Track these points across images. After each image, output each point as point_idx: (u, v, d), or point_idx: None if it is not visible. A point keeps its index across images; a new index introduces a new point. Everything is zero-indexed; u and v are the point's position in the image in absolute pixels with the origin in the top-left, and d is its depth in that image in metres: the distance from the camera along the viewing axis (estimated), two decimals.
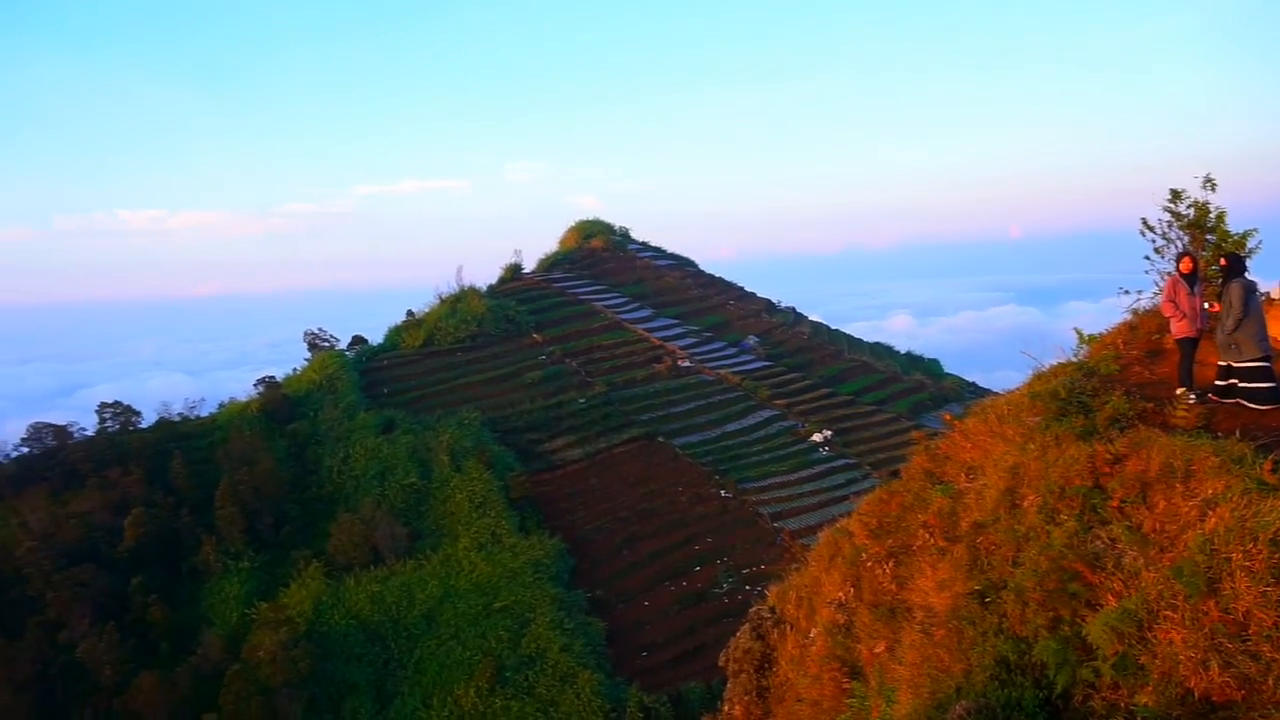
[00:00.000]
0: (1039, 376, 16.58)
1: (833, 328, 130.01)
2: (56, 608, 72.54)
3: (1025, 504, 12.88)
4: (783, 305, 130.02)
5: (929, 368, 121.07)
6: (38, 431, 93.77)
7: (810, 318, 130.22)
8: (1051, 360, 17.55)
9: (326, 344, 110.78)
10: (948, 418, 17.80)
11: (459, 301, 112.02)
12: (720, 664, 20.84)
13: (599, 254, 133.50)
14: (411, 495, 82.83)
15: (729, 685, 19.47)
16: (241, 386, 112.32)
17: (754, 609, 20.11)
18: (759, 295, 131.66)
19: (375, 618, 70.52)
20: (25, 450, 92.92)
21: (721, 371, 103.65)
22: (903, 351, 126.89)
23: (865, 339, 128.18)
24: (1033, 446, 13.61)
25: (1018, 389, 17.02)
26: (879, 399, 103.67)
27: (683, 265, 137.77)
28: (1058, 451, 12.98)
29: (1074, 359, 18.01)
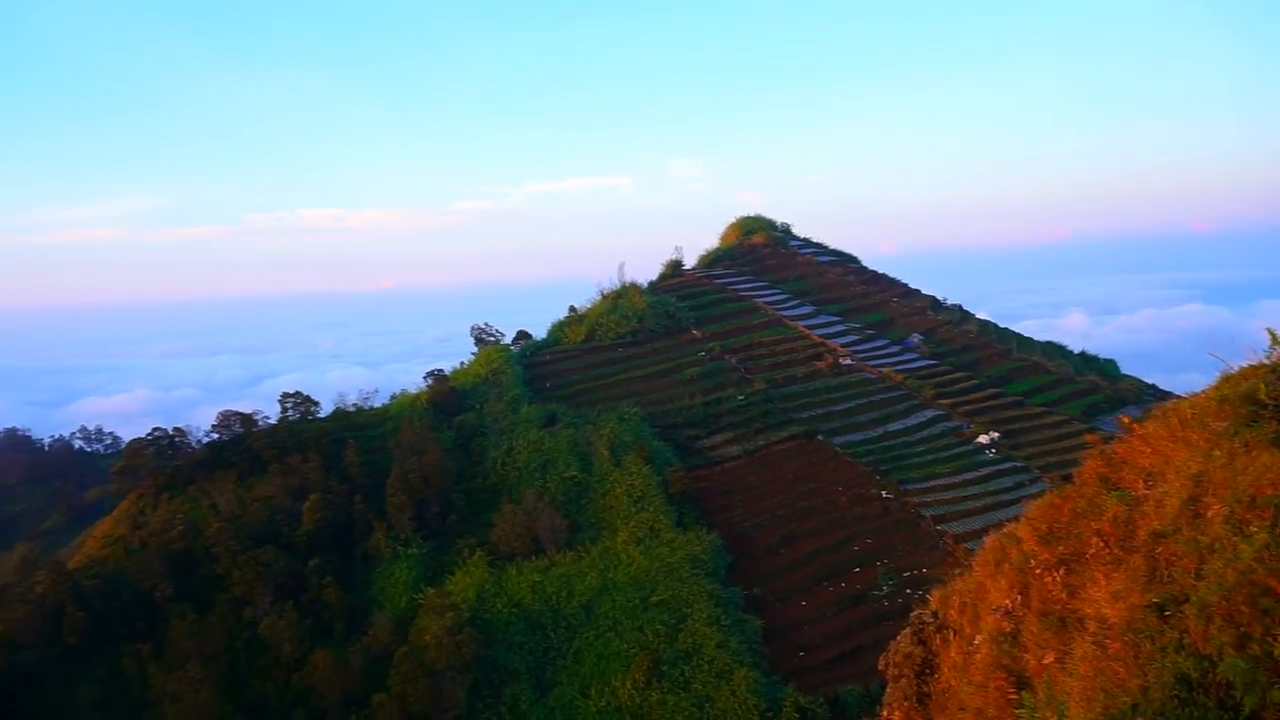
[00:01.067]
0: (1227, 379, 15.62)
1: (1001, 326, 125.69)
2: (242, 586, 76.85)
3: (1210, 514, 12.17)
4: (948, 302, 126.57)
5: (1105, 369, 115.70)
6: (227, 419, 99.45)
7: (977, 315, 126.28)
8: (1242, 362, 16.49)
9: (492, 339, 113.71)
10: (1126, 421, 16.89)
11: (620, 298, 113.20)
12: (879, 668, 20.41)
13: (760, 250, 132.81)
14: (572, 488, 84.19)
15: (888, 690, 19.07)
16: (412, 379, 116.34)
17: (915, 613, 19.61)
18: (923, 292, 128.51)
19: (535, 607, 72.01)
20: (216, 437, 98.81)
21: (884, 370, 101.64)
22: (1076, 351, 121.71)
23: (1036, 338, 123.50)
24: (1219, 453, 12.83)
25: (1203, 392, 16.06)
26: (1050, 400, 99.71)
27: (845, 261, 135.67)
28: (1247, 459, 12.21)
29: (1267, 361, 16.89)
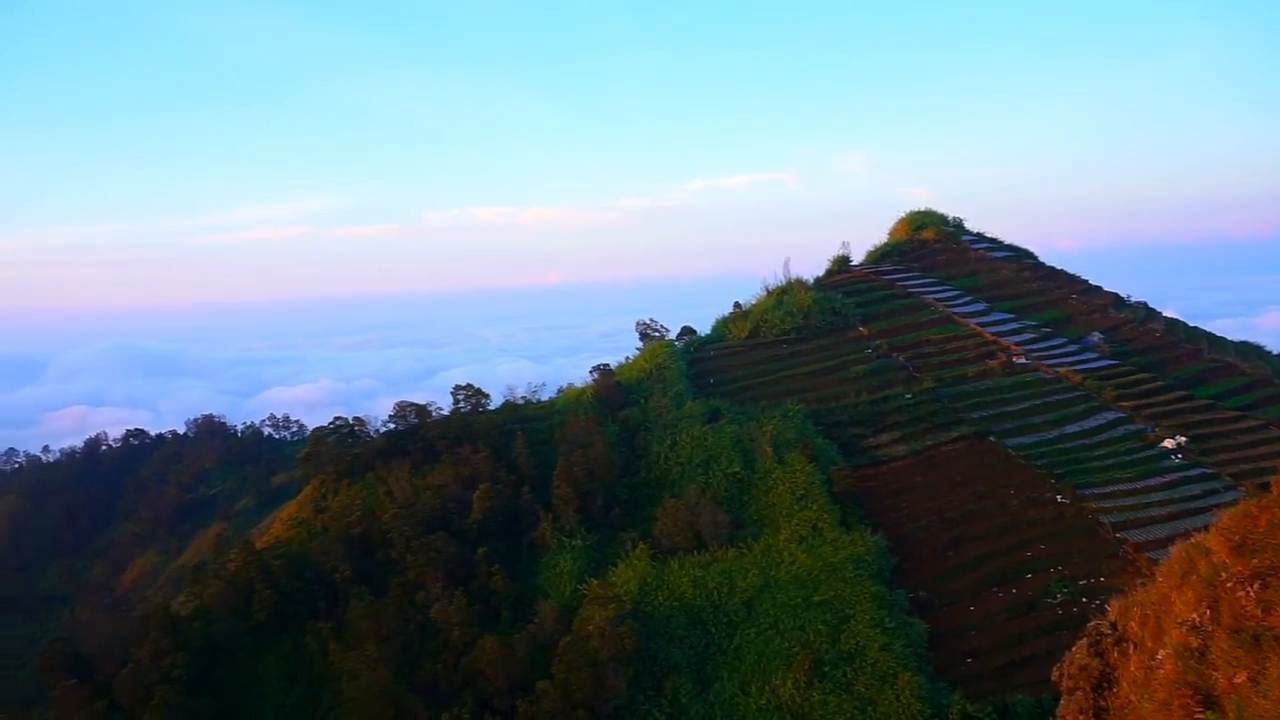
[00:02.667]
0: None
1: (1190, 325, 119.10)
2: (415, 571, 79.75)
3: None
4: (1132, 300, 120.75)
5: None
6: (402, 410, 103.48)
7: (1164, 314, 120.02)
8: None
9: (657, 334, 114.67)
10: None
11: (785, 294, 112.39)
12: (1053, 679, 19.63)
13: (930, 245, 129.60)
14: (734, 484, 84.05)
15: (1062, 702, 18.33)
16: (579, 373, 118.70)
17: (1093, 623, 18.77)
18: (1105, 289, 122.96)
19: (697, 602, 72.19)
20: (392, 427, 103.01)
21: (1061, 370, 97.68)
22: (1276, 353, 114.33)
23: (1230, 338, 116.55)
24: None
25: None
26: (1245, 404, 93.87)
27: (1020, 257, 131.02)
28: None
29: None
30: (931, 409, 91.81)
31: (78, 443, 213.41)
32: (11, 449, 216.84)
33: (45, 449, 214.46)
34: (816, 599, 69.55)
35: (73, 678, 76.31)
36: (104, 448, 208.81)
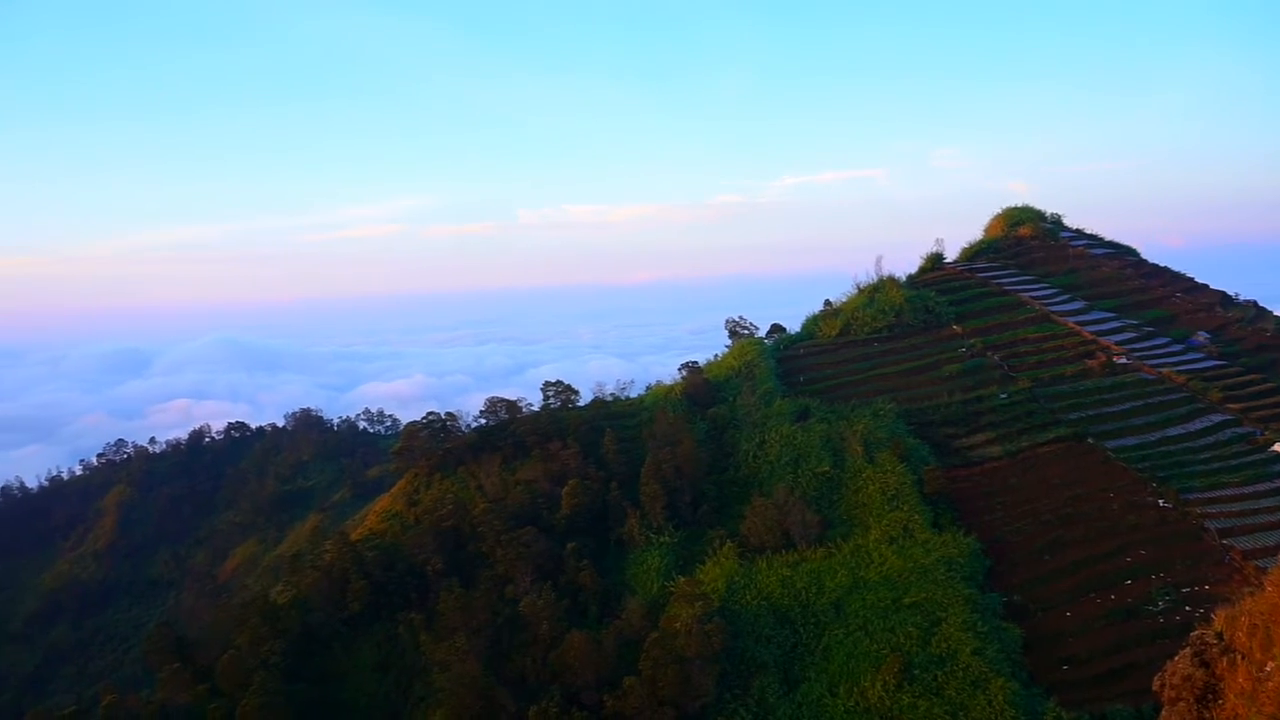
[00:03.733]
0: None
1: None
2: (504, 565, 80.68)
3: None
4: (1241, 298, 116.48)
5: None
6: (493, 406, 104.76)
7: (1276, 313, 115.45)
8: None
9: (746, 332, 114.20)
10: None
11: (877, 291, 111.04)
12: (1154, 688, 19.05)
13: (1027, 242, 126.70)
14: (823, 483, 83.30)
15: (1164, 713, 17.76)
16: (667, 370, 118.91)
17: (1196, 633, 18.17)
18: (1212, 287, 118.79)
19: (785, 601, 71.72)
20: (483, 422, 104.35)
21: (1164, 370, 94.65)
22: None
23: None
24: None
25: None
26: None
27: (1122, 254, 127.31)
28: None
29: None
30: (1027, 409, 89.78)
31: (182, 434, 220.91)
32: (121, 440, 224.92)
33: (152, 440, 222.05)
34: (907, 601, 68.58)
35: (177, 661, 78.88)
36: (207, 439, 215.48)
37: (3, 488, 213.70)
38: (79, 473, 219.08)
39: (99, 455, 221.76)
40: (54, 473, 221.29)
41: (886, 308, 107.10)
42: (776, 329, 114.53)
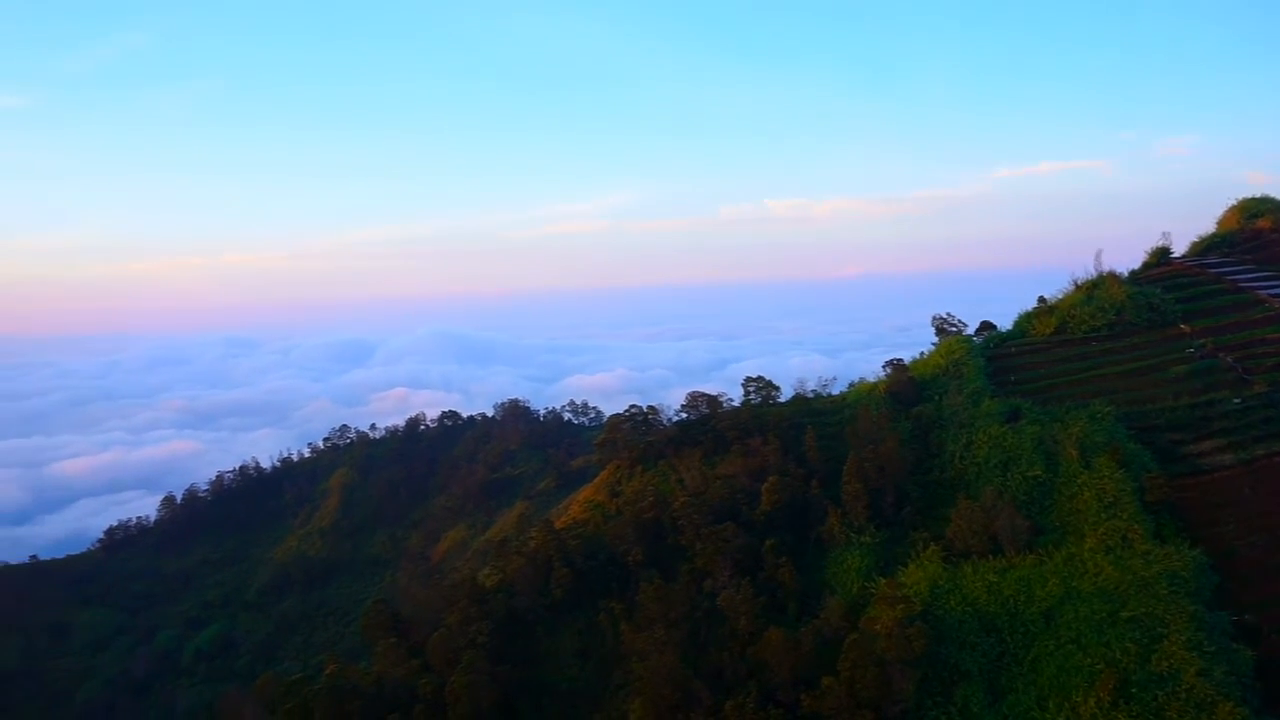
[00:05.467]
0: None
1: None
2: (703, 559, 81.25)
3: None
4: None
5: None
6: (694, 400, 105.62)
7: None
8: None
9: (954, 329, 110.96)
10: None
11: (1096, 288, 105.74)
12: None
13: (1266, 235, 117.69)
14: (1034, 487, 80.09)
15: None
16: (870, 367, 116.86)
17: None
18: None
19: (991, 608, 69.35)
20: (684, 416, 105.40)
21: None
22: None
23: None
24: None
25: None
26: None
27: None
28: None
29: None
30: (1264, 415, 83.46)
31: (400, 421, 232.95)
32: (345, 425, 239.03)
33: (372, 426, 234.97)
34: (1124, 614, 65.08)
35: (392, 637, 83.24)
36: (422, 427, 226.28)
37: (240, 467, 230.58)
38: (307, 455, 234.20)
39: (325, 439, 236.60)
40: (285, 454, 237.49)
41: (1106, 305, 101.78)
42: (986, 326, 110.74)
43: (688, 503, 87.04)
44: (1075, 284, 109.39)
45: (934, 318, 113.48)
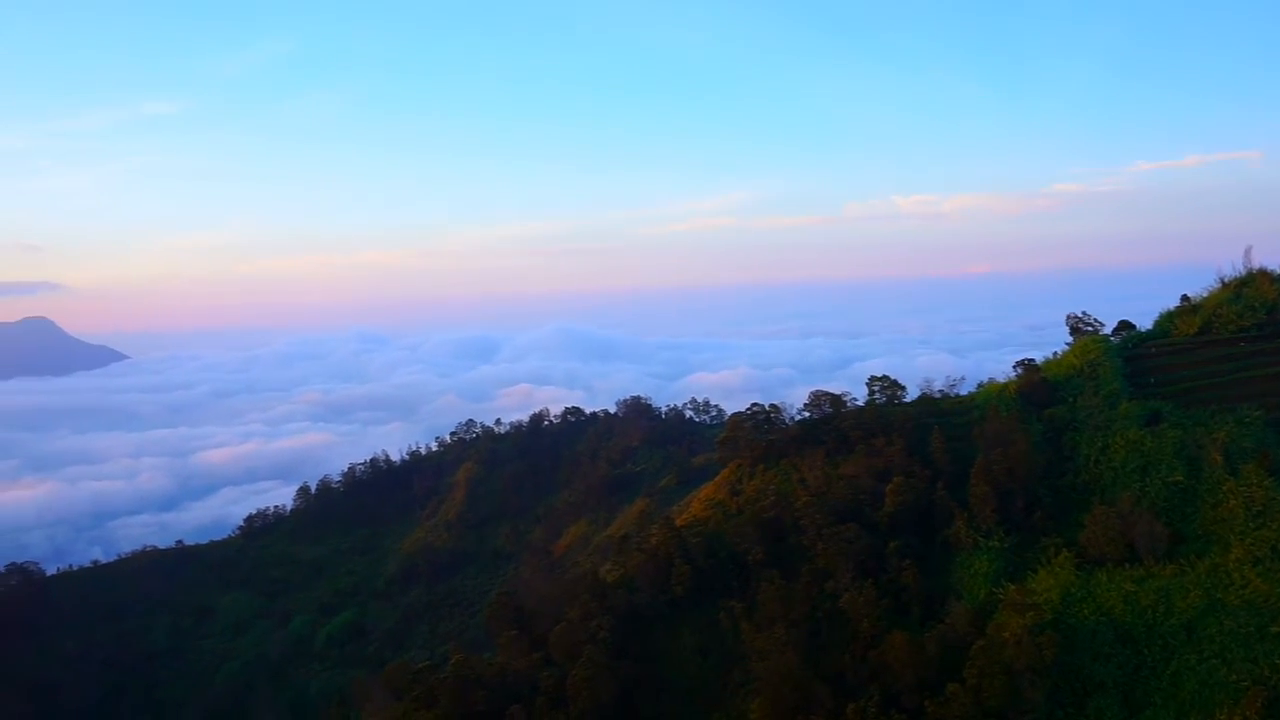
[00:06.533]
0: None
1: None
2: (825, 559, 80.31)
3: None
4: None
5: None
6: (817, 399, 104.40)
7: None
8: None
9: (1089, 328, 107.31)
10: None
11: (1244, 285, 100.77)
12: None
13: None
14: (1175, 494, 76.83)
15: None
16: (1000, 368, 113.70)
17: None
18: None
19: (1127, 619, 66.77)
20: (807, 415, 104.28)
21: None
22: None
23: None
24: None
25: None
26: None
27: None
28: None
29: None
30: None
31: (524, 417, 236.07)
32: (471, 420, 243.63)
33: (497, 421, 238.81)
34: (1275, 629, 61.95)
35: (515, 629, 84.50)
36: (545, 423, 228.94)
37: (371, 460, 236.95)
38: (434, 449, 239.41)
39: (451, 434, 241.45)
40: (413, 448, 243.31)
41: (1256, 304, 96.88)
42: (1124, 326, 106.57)
43: (810, 502, 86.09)
44: (1222, 281, 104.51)
45: (1069, 317, 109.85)
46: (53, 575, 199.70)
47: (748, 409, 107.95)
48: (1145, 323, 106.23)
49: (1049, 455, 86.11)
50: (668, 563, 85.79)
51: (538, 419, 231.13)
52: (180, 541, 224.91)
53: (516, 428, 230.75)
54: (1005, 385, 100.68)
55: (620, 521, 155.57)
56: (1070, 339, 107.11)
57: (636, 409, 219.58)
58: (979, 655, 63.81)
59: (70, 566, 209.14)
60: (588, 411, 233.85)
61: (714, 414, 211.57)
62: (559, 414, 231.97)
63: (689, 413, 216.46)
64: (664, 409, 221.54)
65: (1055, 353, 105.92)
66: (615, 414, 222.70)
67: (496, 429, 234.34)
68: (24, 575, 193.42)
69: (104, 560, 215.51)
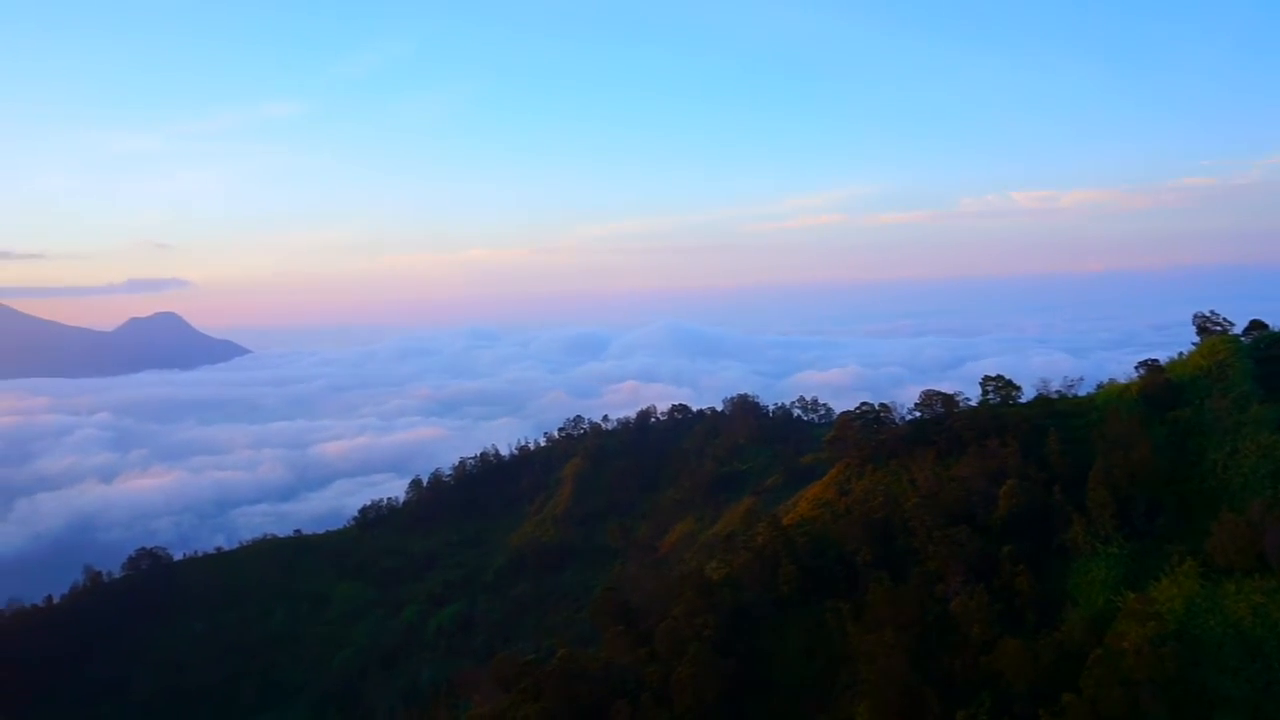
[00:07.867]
0: None
1: None
2: (935, 562, 78.82)
3: None
4: None
5: None
6: (929, 399, 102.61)
7: None
8: None
9: (1218, 328, 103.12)
10: None
11: None
12: None
13: None
14: None
15: None
16: (1121, 368, 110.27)
17: None
18: None
19: (1257, 631, 63.85)
20: (917, 415, 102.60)
21: None
22: None
23: None
24: None
25: None
26: None
27: None
28: None
29: None
30: None
31: (631, 414, 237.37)
32: (579, 416, 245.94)
33: (605, 418, 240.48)
34: None
35: (620, 624, 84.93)
36: (652, 420, 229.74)
37: (481, 454, 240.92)
38: (542, 444, 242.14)
39: (559, 429, 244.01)
40: (522, 443, 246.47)
41: None
42: (1257, 325, 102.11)
43: (920, 504, 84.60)
44: None
45: (1195, 316, 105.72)
46: (179, 560, 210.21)
47: (857, 408, 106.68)
48: (1278, 322, 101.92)
49: (1172, 459, 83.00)
50: (774, 562, 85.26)
51: (645, 416, 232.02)
52: (298, 531, 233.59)
53: (624, 424, 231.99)
54: (1126, 386, 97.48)
55: (726, 520, 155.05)
56: (1197, 339, 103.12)
57: (744, 407, 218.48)
58: (1096, 665, 61.81)
59: (196, 552, 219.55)
60: (694, 409, 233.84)
61: (822, 413, 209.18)
62: (666, 411, 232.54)
63: (797, 411, 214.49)
64: (771, 407, 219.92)
65: (1180, 353, 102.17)
66: (722, 412, 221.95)
67: (604, 425, 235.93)
68: (153, 559, 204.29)
69: (226, 547, 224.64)
